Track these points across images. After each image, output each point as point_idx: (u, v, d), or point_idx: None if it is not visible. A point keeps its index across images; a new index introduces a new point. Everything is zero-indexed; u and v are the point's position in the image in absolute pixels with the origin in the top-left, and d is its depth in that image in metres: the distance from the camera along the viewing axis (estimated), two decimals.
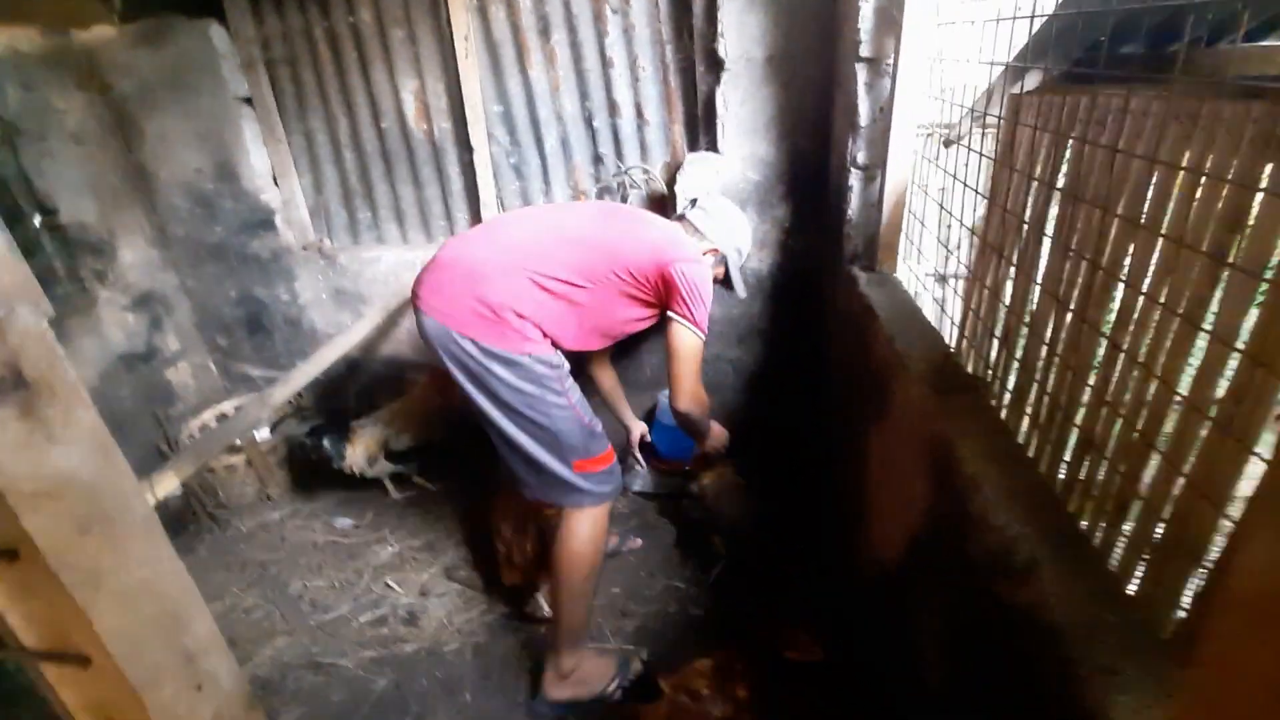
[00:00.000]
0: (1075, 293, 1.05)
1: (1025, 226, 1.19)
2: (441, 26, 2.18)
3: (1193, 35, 1.23)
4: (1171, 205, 0.86)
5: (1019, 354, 1.21)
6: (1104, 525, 0.97)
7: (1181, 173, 0.84)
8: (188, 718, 0.45)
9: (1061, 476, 1.07)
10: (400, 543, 2.36)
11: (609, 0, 2.11)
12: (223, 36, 2.26)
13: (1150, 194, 0.90)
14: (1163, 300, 0.85)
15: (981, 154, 1.36)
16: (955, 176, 1.49)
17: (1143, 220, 0.90)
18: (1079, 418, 1.04)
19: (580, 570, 1.63)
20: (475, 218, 2.50)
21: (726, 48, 2.03)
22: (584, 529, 1.61)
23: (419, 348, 2.65)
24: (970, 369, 1.38)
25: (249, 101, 2.37)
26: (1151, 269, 0.89)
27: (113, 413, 2.37)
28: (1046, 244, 1.14)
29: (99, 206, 2.48)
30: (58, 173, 2.36)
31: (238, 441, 2.40)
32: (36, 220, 2.35)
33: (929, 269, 1.74)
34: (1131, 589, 0.88)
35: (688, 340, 1.65)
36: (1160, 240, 0.86)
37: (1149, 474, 0.90)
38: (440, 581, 2.19)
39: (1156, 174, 0.89)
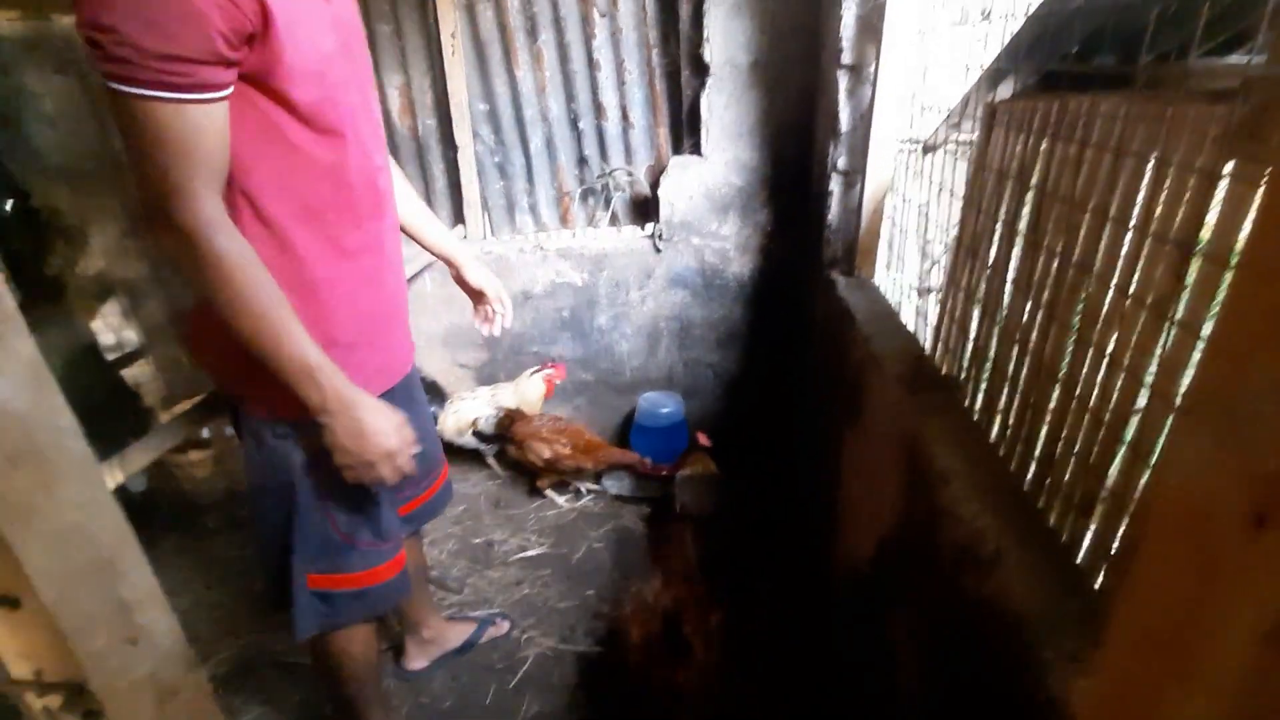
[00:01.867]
0: (1046, 289, 1.07)
1: (999, 226, 1.21)
2: (429, 23, 2.18)
3: (1160, 49, 1.27)
4: (1139, 199, 0.87)
5: (991, 353, 1.22)
6: (1071, 521, 0.97)
7: (1148, 169, 0.86)
8: (121, 672, 0.43)
9: (1031, 474, 1.08)
10: None
11: (597, 3, 2.12)
12: None
13: (1118, 190, 0.92)
14: (1130, 292, 0.87)
15: (958, 158, 1.38)
16: (932, 180, 1.51)
17: (1111, 214, 0.92)
18: (1048, 412, 1.05)
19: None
20: (458, 216, 2.49)
21: (712, 53, 2.05)
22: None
23: None
24: (944, 369, 1.39)
25: None
26: (1120, 264, 0.91)
27: (81, 404, 2.31)
28: (1019, 244, 1.16)
29: (72, 193, 2.44)
30: (32, 157, 2.32)
31: (206, 434, 2.35)
32: (8, 205, 2.30)
33: (909, 277, 1.76)
34: (1099, 583, 0.89)
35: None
36: (1129, 234, 0.88)
37: (1115, 469, 0.91)
38: None
39: (1124, 173, 0.91)
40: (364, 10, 2.18)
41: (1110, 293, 0.92)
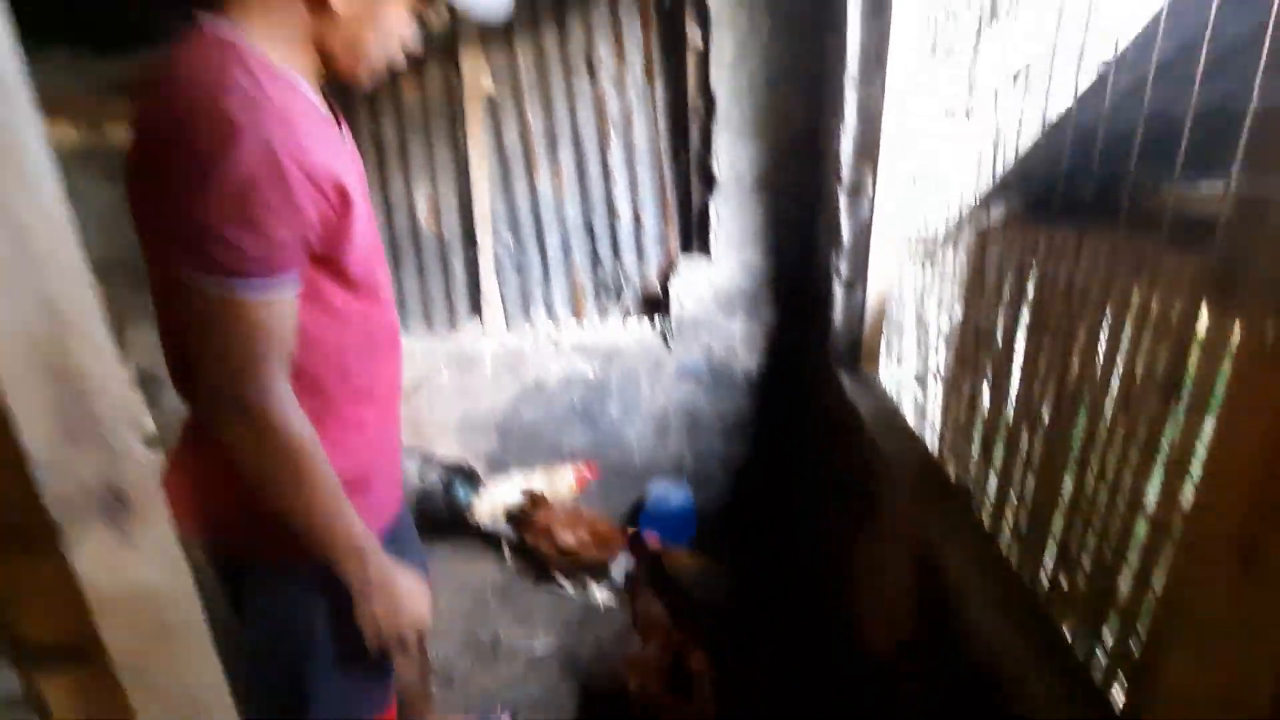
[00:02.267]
0: (1045, 409, 1.13)
1: (997, 345, 1.29)
2: (458, 139, 2.35)
3: (1137, 182, 1.39)
4: (1125, 338, 0.95)
5: (997, 464, 1.28)
6: (1086, 637, 1.00)
7: (1133, 307, 0.94)
8: None
9: (1044, 586, 1.11)
10: None
11: (613, 121, 2.30)
12: None
13: (1104, 325, 1.00)
14: (1120, 427, 0.93)
15: (953, 276, 1.48)
16: (931, 295, 1.61)
17: (1100, 350, 1.00)
18: (1055, 530, 1.10)
19: None
20: (475, 310, 2.60)
21: (719, 168, 2.21)
22: None
23: (412, 435, 2.68)
24: (952, 475, 1.44)
25: None
26: (1111, 394, 0.98)
27: None
28: (1017, 365, 1.23)
29: (111, 290, 2.56)
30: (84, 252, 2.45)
31: None
32: None
33: (910, 373, 1.84)
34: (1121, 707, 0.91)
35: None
36: (1118, 369, 0.95)
37: (1124, 585, 0.95)
38: None
39: (1110, 309, 0.99)
40: (399, 129, 2.36)
41: (1104, 421, 0.98)
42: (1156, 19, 0.90)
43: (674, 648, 1.78)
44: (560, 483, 2.45)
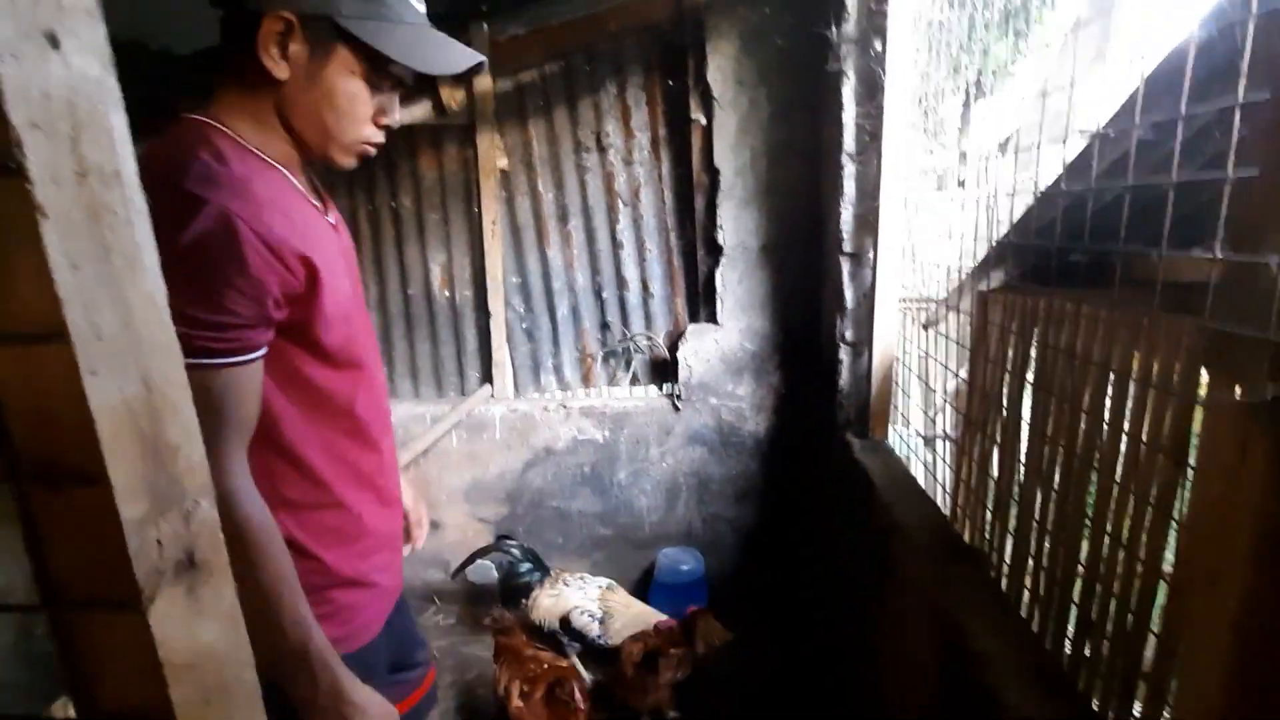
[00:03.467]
0: (1056, 472, 1.15)
1: (1005, 409, 1.32)
2: (473, 212, 2.46)
3: (1128, 248, 1.45)
4: (1129, 404, 0.98)
5: (1012, 527, 1.28)
6: (1116, 706, 0.98)
7: (1134, 371, 0.98)
8: None
9: (1067, 652, 1.10)
10: None
11: (621, 195, 2.41)
12: None
13: (1108, 392, 1.03)
14: (1132, 489, 0.94)
15: (959, 342, 1.52)
16: (934, 358, 1.65)
17: (1106, 416, 1.02)
18: (1075, 594, 1.09)
19: None
20: (486, 375, 2.64)
21: (725, 237, 2.30)
22: None
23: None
24: (967, 538, 1.44)
25: None
26: (1121, 457, 1.00)
27: None
28: (1025, 431, 1.26)
29: None
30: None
31: None
32: None
33: (917, 434, 1.86)
34: None
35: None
36: (1124, 434, 0.98)
37: (1149, 651, 0.94)
38: None
39: (1112, 373, 1.02)
40: (416, 201, 2.47)
41: (1115, 487, 1.00)
42: (1133, 98, 0.97)
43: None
44: (641, 619, 2.15)
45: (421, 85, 2.22)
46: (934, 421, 1.74)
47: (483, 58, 0.97)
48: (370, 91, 0.88)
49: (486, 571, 2.43)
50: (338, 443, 0.94)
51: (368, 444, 0.99)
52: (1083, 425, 1.06)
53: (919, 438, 1.88)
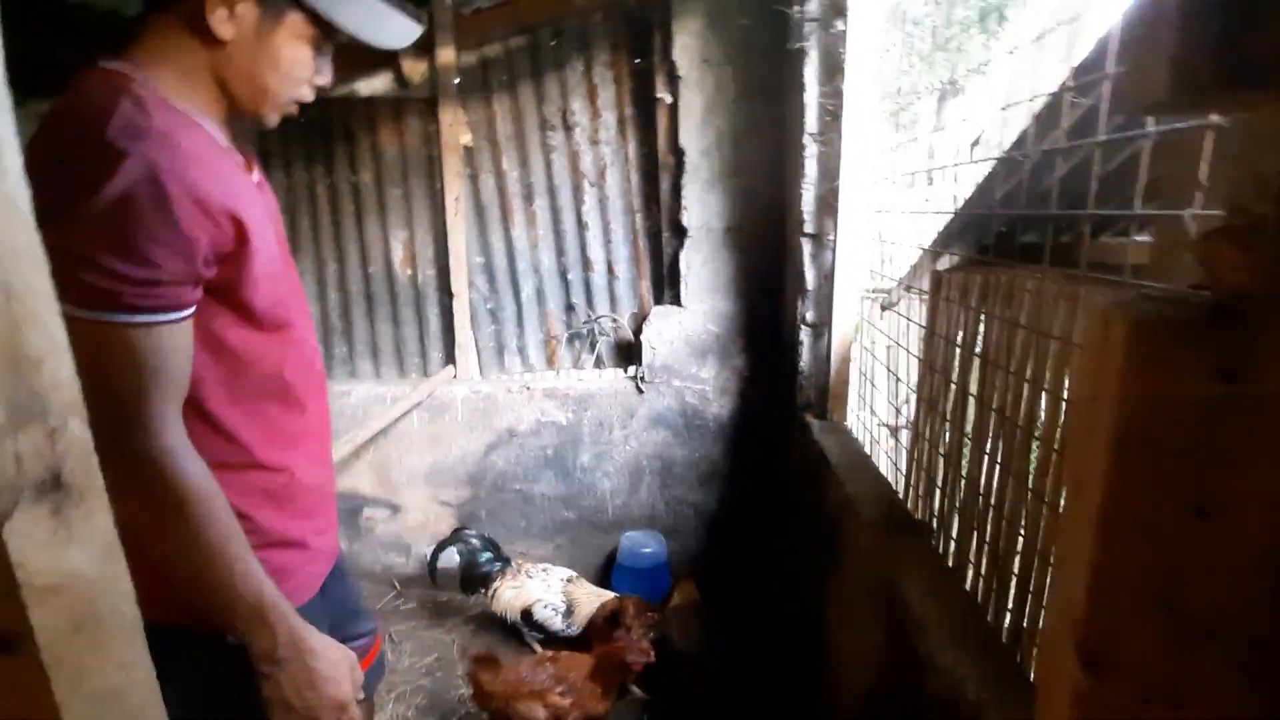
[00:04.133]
0: (1000, 446, 1.16)
1: (953, 386, 1.34)
2: (435, 189, 2.42)
3: (1069, 233, 1.48)
4: (1069, 371, 0.99)
5: (958, 502, 1.29)
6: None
7: (1069, 344, 0.99)
8: None
9: (1007, 622, 1.11)
10: None
11: (587, 175, 2.39)
12: None
13: (1048, 362, 1.05)
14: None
15: (912, 320, 1.54)
16: (894, 339, 1.66)
17: (1045, 385, 1.04)
18: (1015, 565, 1.11)
19: None
20: (450, 357, 2.60)
21: (689, 218, 2.30)
22: None
23: (379, 484, 2.63)
24: (919, 515, 1.45)
25: None
26: (1059, 428, 1.01)
27: None
28: (972, 404, 1.27)
29: None
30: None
31: None
32: None
33: (876, 421, 1.87)
34: None
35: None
36: (1063, 400, 0.99)
37: None
38: None
39: (1050, 346, 1.04)
40: (377, 177, 2.42)
41: (1054, 454, 1.01)
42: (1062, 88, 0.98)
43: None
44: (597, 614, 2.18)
45: (381, 56, 2.17)
46: (891, 402, 1.75)
47: (422, 27, 0.98)
48: (313, 55, 0.88)
49: (449, 558, 2.41)
50: (261, 405, 0.92)
51: (292, 405, 0.97)
52: (1024, 394, 1.08)
53: (883, 426, 1.90)
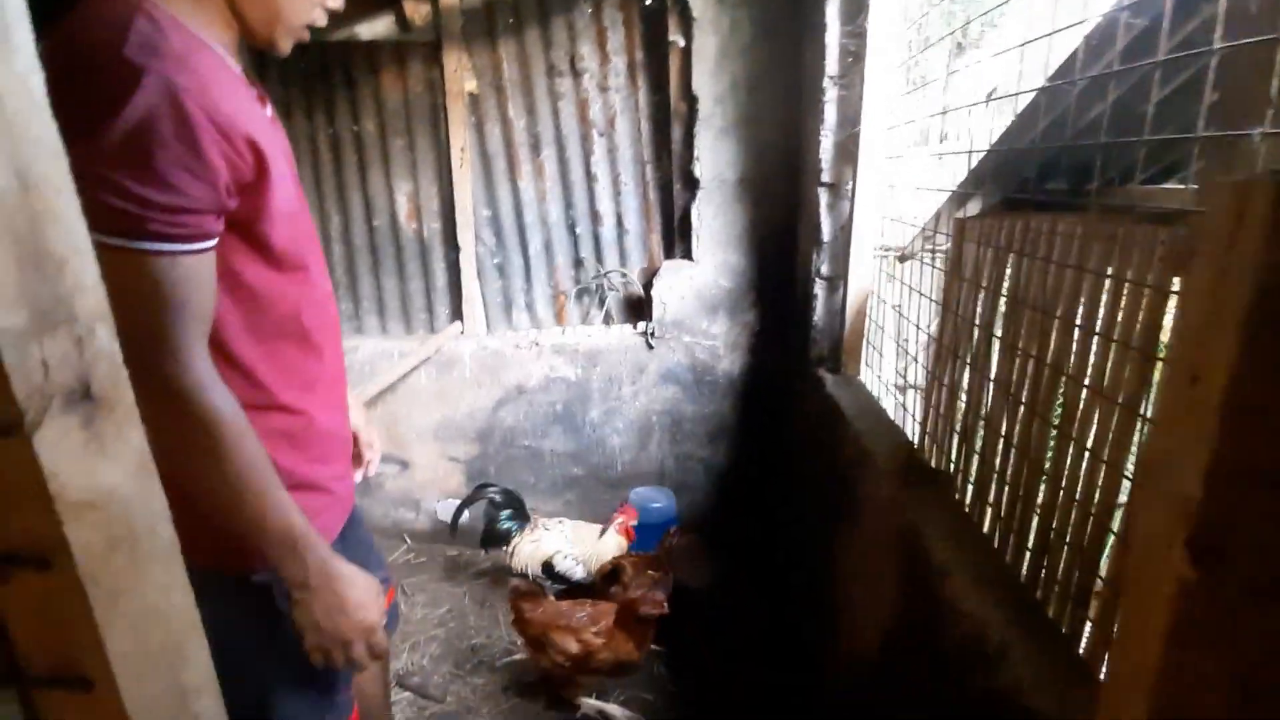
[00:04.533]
0: (1025, 388, 1.15)
1: (976, 330, 1.31)
2: (440, 138, 2.35)
3: (1105, 177, 1.44)
4: (1101, 309, 0.97)
5: (978, 447, 1.28)
6: (1070, 611, 1.00)
7: (1108, 282, 0.96)
8: None
9: (1026, 565, 1.12)
10: None
11: (596, 124, 2.32)
12: None
13: (1082, 300, 1.02)
14: (1103, 392, 0.94)
15: (934, 266, 1.50)
16: (911, 286, 1.63)
17: (1077, 321, 1.01)
18: (1037, 504, 1.10)
19: None
20: (456, 312, 2.57)
21: (701, 169, 2.24)
22: None
23: (388, 440, 2.63)
24: (934, 464, 1.44)
25: None
26: (1090, 366, 0.99)
27: None
28: (996, 345, 1.25)
29: None
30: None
31: None
32: None
33: (890, 374, 1.86)
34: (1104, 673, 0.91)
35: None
36: (1095, 339, 0.97)
37: (1107, 559, 0.95)
38: (391, 689, 2.04)
39: (1085, 285, 1.01)
40: (380, 126, 2.36)
41: (1084, 392, 1.00)
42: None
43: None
44: (610, 546, 2.25)
45: None
46: (909, 353, 1.73)
47: None
48: None
49: (472, 514, 2.42)
50: (280, 347, 0.91)
51: (310, 349, 0.95)
52: (1054, 333, 1.05)
53: (901, 380, 1.89)
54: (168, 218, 0.70)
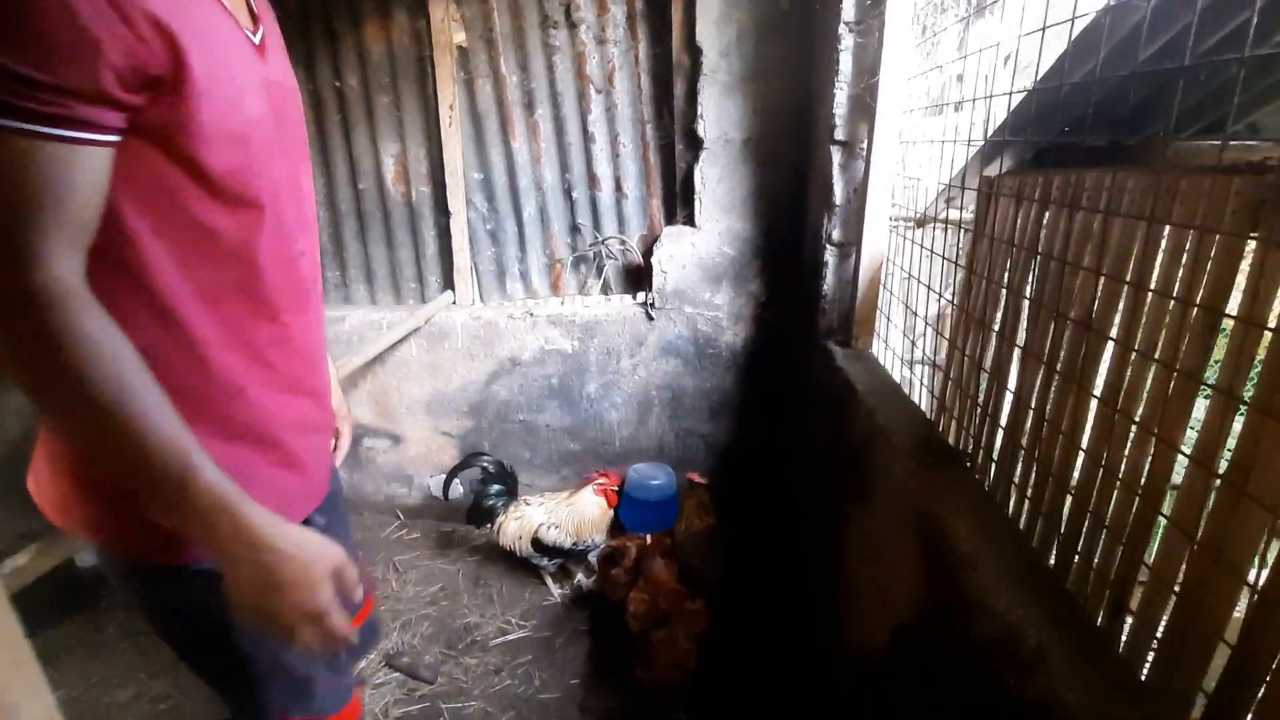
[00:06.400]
0: (1061, 356, 1.03)
1: (1004, 294, 1.20)
2: (428, 95, 2.22)
3: (1152, 131, 1.31)
4: (1158, 266, 0.85)
5: (1004, 422, 1.18)
6: (1108, 605, 0.90)
7: (1165, 240, 0.85)
8: None
9: (1055, 551, 1.02)
10: None
11: (593, 80, 2.18)
12: None
13: (1133, 259, 0.90)
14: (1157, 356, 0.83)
15: (960, 225, 1.39)
16: (932, 250, 1.51)
17: (1128, 279, 0.90)
18: (1072, 485, 1.00)
19: None
20: (448, 281, 2.46)
21: (705, 129, 2.10)
22: None
23: (379, 414, 2.53)
24: (952, 440, 1.34)
25: None
26: (1143, 328, 0.88)
27: None
28: (1027, 311, 1.14)
29: None
30: None
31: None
32: None
33: (905, 347, 1.74)
34: (1144, 675, 0.82)
35: None
36: (1150, 296, 0.86)
37: (1152, 546, 0.85)
38: (379, 670, 1.98)
39: (1139, 242, 0.89)
40: (364, 82, 2.22)
41: (1132, 359, 0.89)
42: None
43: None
44: (588, 510, 2.20)
45: None
46: (926, 322, 1.61)
47: None
48: None
49: (454, 487, 2.34)
50: (220, 295, 0.77)
51: (261, 306, 0.81)
52: (1098, 295, 0.94)
53: (910, 345, 1.77)
54: (31, 92, 0.57)
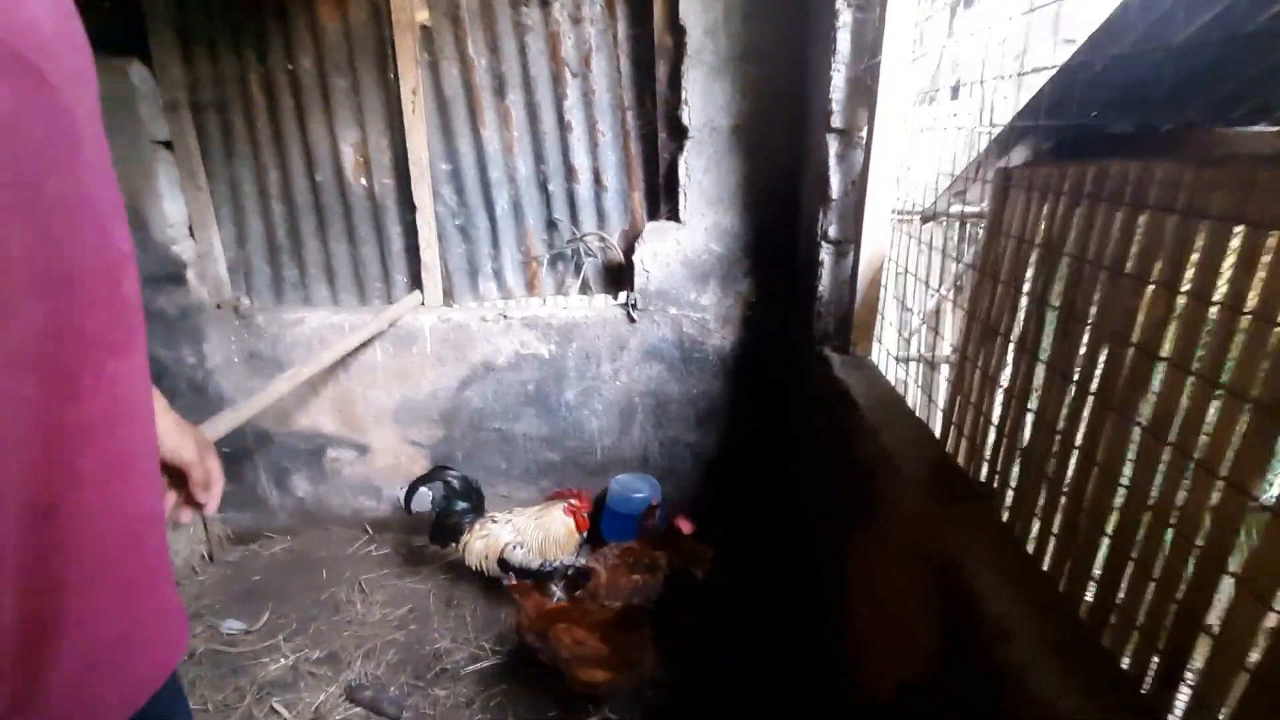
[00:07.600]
0: (1096, 374, 0.89)
1: (1025, 300, 1.06)
2: (388, 79, 2.04)
3: (1185, 119, 1.17)
4: (1227, 272, 0.71)
5: (1021, 444, 1.04)
6: (1158, 672, 0.77)
7: (1236, 241, 0.71)
8: None
9: (1091, 600, 0.88)
10: (296, 653, 1.99)
11: (569, 63, 2.02)
12: (144, 76, 2.07)
13: (1191, 262, 0.76)
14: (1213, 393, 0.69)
15: (980, 216, 1.24)
16: (942, 251, 1.37)
17: (1185, 287, 0.76)
18: (1109, 523, 0.86)
19: None
20: (415, 281, 2.29)
21: (690, 115, 1.95)
22: None
23: (343, 422, 2.37)
24: (962, 461, 1.20)
25: (168, 146, 2.16)
26: (1201, 348, 0.74)
27: None
28: (1051, 320, 1.00)
29: None
30: None
31: None
32: None
33: (909, 352, 1.61)
34: None
35: None
36: (1213, 310, 0.71)
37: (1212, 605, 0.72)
38: (339, 705, 1.82)
39: (1201, 240, 0.75)
40: (318, 63, 2.04)
41: (1189, 381, 0.75)
42: None
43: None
44: (556, 529, 2.07)
45: None
46: (933, 330, 1.48)
47: None
48: None
49: (424, 500, 2.18)
50: None
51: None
52: (1145, 306, 0.80)
53: (915, 355, 1.64)
54: None
